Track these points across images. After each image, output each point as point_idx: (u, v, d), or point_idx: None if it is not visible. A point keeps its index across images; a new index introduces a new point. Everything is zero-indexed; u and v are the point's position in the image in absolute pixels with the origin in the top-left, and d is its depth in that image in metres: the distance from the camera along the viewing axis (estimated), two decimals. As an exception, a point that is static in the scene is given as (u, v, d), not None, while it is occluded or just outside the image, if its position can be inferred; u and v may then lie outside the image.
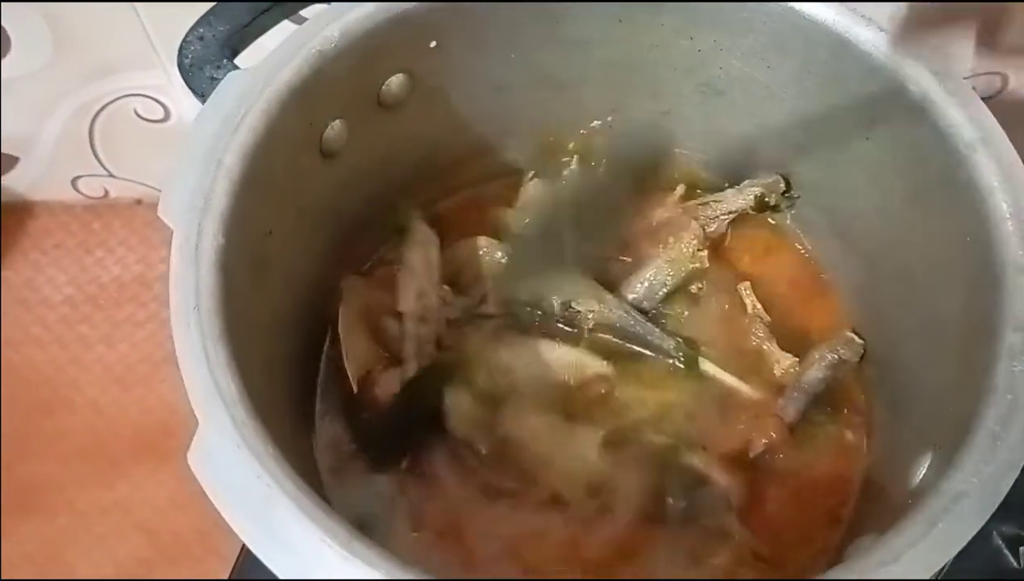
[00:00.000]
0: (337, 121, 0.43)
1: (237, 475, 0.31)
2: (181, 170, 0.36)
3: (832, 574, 0.30)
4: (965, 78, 0.60)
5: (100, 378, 0.72)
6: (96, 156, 0.74)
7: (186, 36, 0.42)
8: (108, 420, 0.71)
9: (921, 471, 0.36)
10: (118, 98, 0.68)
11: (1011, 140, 0.54)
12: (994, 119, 0.38)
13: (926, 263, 0.42)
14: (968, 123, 0.38)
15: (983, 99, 0.39)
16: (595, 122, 0.53)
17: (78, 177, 0.77)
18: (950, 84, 0.39)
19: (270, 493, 0.30)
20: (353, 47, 0.41)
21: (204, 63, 0.42)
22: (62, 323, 0.75)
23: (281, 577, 0.29)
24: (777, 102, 0.47)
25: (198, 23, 0.43)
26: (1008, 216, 0.36)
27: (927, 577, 0.29)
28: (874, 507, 0.41)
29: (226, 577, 0.56)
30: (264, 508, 0.30)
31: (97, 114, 0.70)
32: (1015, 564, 0.32)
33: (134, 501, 0.68)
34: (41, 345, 0.73)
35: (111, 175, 0.76)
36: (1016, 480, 0.31)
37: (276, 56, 0.39)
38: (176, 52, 0.43)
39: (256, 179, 0.38)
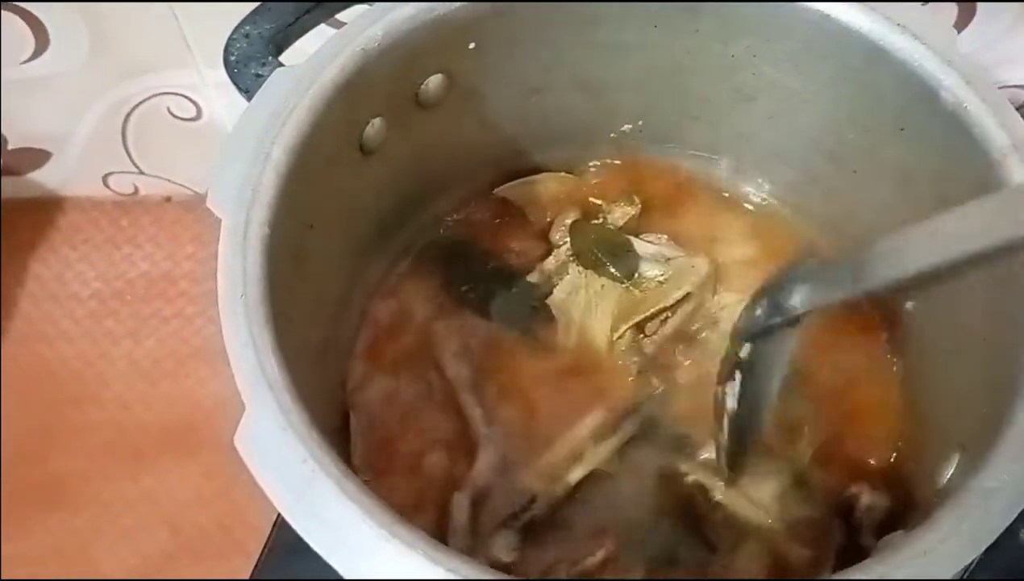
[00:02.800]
0: (377, 119, 0.44)
1: (282, 458, 0.32)
2: (230, 162, 0.37)
3: (861, 568, 0.30)
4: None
5: (127, 373, 0.73)
6: (128, 153, 0.75)
7: (232, 34, 0.43)
8: (134, 415, 0.72)
9: (949, 471, 0.36)
10: (152, 96, 0.70)
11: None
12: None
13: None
14: (1001, 130, 0.39)
15: (1014, 109, 0.40)
16: (626, 126, 0.54)
17: (109, 174, 0.78)
18: (984, 92, 0.40)
19: (314, 476, 0.31)
20: (395, 46, 0.42)
21: (249, 60, 0.43)
22: (90, 318, 0.76)
23: (323, 556, 0.30)
24: (809, 108, 0.47)
25: (244, 21, 0.44)
26: (1039, 221, 0.36)
27: (955, 571, 0.29)
28: (902, 506, 0.42)
29: (248, 574, 0.57)
30: (308, 490, 0.31)
31: (131, 112, 0.71)
32: (1041, 561, 0.32)
33: (159, 495, 0.69)
34: (69, 339, 0.74)
35: (141, 172, 0.77)
36: (1044, 478, 0.32)
37: (321, 54, 0.40)
38: (210, 52, 0.44)
39: (300, 173, 0.39)
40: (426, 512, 0.45)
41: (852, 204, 0.50)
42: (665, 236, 0.53)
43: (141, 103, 0.70)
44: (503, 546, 0.43)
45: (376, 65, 0.42)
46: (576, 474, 0.46)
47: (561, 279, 0.52)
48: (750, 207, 0.55)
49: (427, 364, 0.49)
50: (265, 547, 0.58)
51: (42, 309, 0.75)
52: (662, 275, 0.52)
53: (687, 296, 0.51)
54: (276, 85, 0.39)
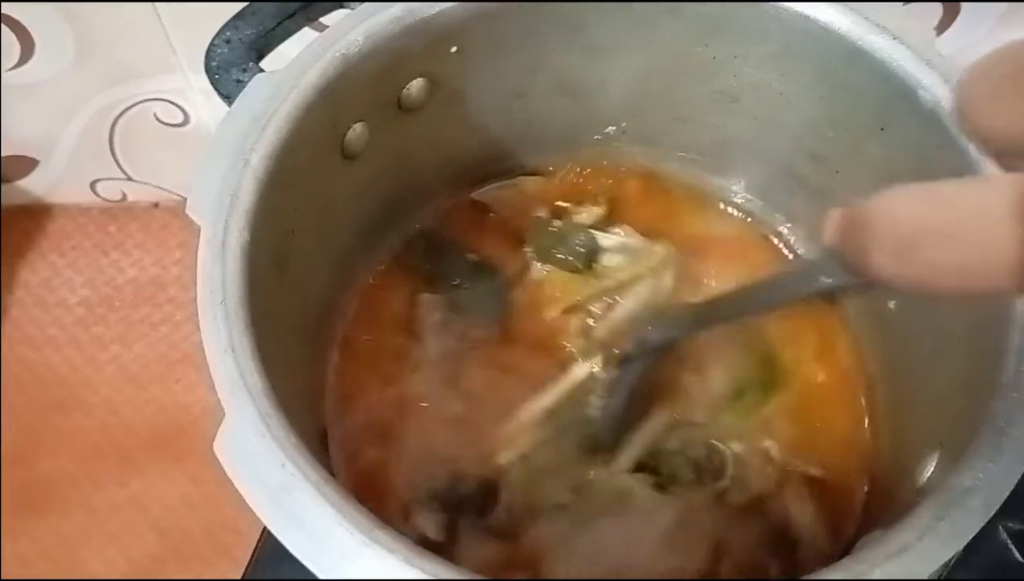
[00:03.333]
0: (359, 123, 0.44)
1: (261, 463, 0.32)
2: (209, 168, 0.37)
3: (839, 568, 0.30)
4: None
5: (115, 378, 0.73)
6: (115, 159, 0.75)
7: (213, 39, 0.43)
8: (122, 419, 0.72)
9: (928, 470, 0.37)
10: (138, 102, 0.70)
11: None
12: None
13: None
14: (978, 129, 0.39)
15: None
16: (610, 128, 0.54)
17: (97, 180, 0.78)
18: (962, 91, 0.40)
19: (293, 481, 0.31)
20: (376, 51, 0.42)
21: (230, 65, 0.43)
22: (78, 324, 0.76)
23: (303, 561, 0.30)
24: (791, 109, 0.48)
25: (225, 27, 0.44)
26: (1018, 221, 0.37)
27: (934, 569, 0.29)
28: (882, 505, 0.42)
29: (238, 578, 0.57)
30: (287, 495, 0.31)
31: (117, 118, 0.71)
32: (1020, 558, 0.32)
33: (147, 499, 0.69)
34: (57, 345, 0.75)
35: (129, 178, 0.77)
36: (1022, 476, 0.32)
37: (302, 59, 0.40)
38: (196, 57, 0.44)
39: (281, 178, 0.39)
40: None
41: (835, 204, 0.49)
42: (628, 227, 0.53)
43: (128, 109, 0.70)
44: (431, 521, 0.44)
45: (358, 70, 0.42)
46: (506, 456, 0.46)
47: (526, 274, 0.52)
48: (733, 208, 0.55)
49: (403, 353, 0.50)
50: (253, 555, 0.58)
51: (30, 315, 0.75)
52: (624, 263, 0.52)
53: (641, 280, 0.51)
54: (256, 91, 0.39)
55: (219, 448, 0.32)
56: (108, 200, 0.80)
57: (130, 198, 0.79)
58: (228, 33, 0.43)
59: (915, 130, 0.42)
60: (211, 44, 0.43)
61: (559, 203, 0.55)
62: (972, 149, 0.39)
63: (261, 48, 0.44)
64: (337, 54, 0.41)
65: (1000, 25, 0.57)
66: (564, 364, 0.50)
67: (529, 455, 0.47)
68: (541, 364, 0.50)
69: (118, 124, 0.72)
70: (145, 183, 0.78)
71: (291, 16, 0.44)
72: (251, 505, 0.31)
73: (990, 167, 0.37)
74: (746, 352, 0.50)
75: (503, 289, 0.53)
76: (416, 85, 0.46)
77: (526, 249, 0.53)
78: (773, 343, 0.51)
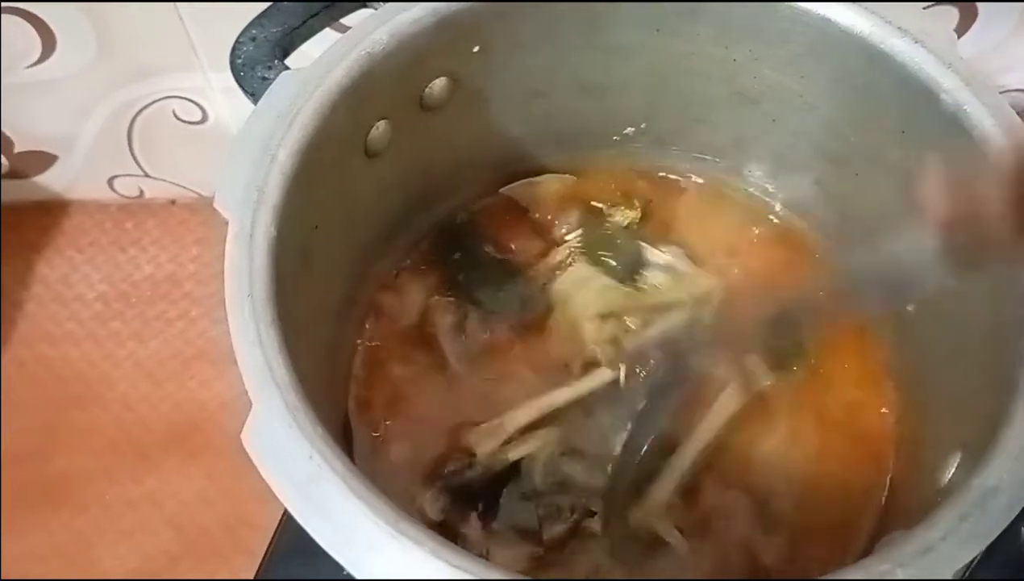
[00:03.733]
0: (382, 122, 0.45)
1: (289, 455, 0.32)
2: (235, 164, 0.38)
3: (861, 568, 0.31)
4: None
5: (131, 374, 0.74)
6: (133, 156, 0.76)
7: (239, 37, 0.44)
8: (139, 415, 0.72)
9: (951, 470, 0.37)
10: (157, 100, 0.70)
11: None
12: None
13: (952, 273, 0.43)
14: (1000, 132, 0.39)
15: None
16: (628, 129, 0.54)
17: (114, 177, 0.78)
18: (983, 95, 0.40)
19: (320, 472, 0.31)
20: (400, 50, 0.42)
21: (256, 63, 0.43)
22: (95, 320, 0.76)
23: (330, 552, 0.30)
24: (811, 112, 0.48)
25: (251, 24, 0.44)
26: (1038, 223, 0.37)
27: (956, 569, 0.30)
28: (904, 505, 0.42)
29: (252, 575, 0.57)
30: (315, 487, 0.31)
31: (136, 115, 0.71)
32: (1039, 559, 0.32)
33: (163, 495, 0.69)
34: (75, 341, 0.75)
35: (147, 175, 0.78)
36: (1043, 476, 0.32)
37: (327, 57, 0.40)
38: (216, 55, 0.44)
39: (306, 175, 0.39)
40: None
41: (854, 207, 0.50)
42: (680, 249, 0.53)
43: (147, 106, 0.71)
44: (433, 502, 0.45)
45: (381, 68, 0.42)
46: (517, 452, 0.47)
47: (563, 271, 0.52)
48: (753, 210, 0.55)
49: (424, 347, 0.51)
50: (269, 548, 0.58)
51: (47, 311, 0.76)
52: (667, 283, 0.52)
53: (680, 305, 0.51)
54: (282, 88, 0.40)
55: (247, 439, 0.32)
56: (126, 196, 0.80)
57: (147, 195, 0.80)
58: (254, 31, 0.44)
59: (936, 134, 0.42)
60: (237, 41, 0.44)
61: (593, 203, 0.55)
62: (993, 153, 0.39)
63: (286, 46, 0.44)
64: (362, 53, 0.41)
65: (1021, 27, 0.58)
66: (587, 367, 0.50)
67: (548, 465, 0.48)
68: (563, 363, 0.51)
69: (137, 121, 0.72)
70: (163, 180, 0.78)
71: (316, 15, 0.44)
72: (279, 496, 0.31)
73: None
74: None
75: (529, 287, 0.53)
76: (438, 84, 0.46)
77: (571, 244, 0.53)
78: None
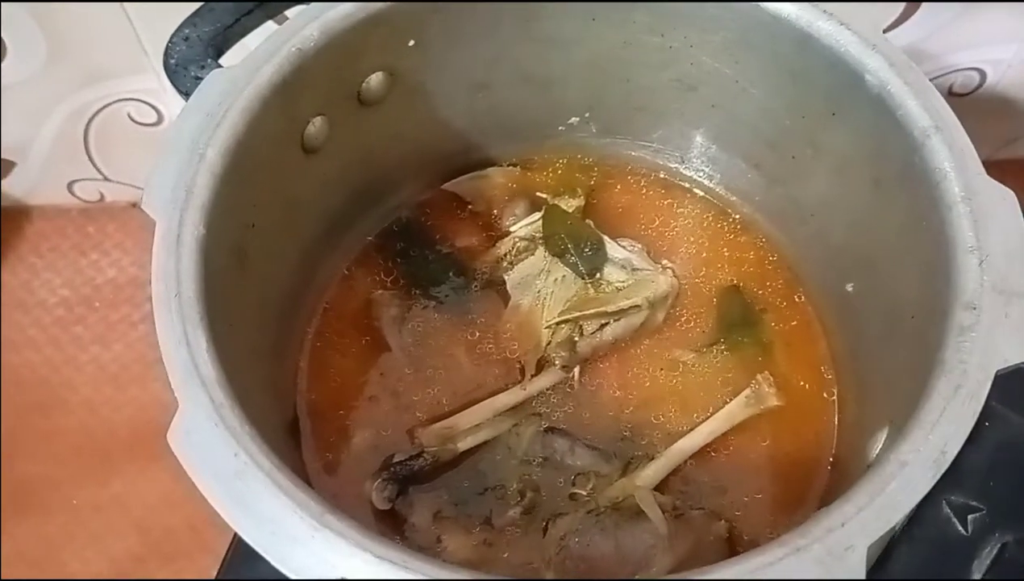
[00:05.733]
0: (318, 118, 0.45)
1: (215, 453, 0.32)
2: (163, 164, 0.38)
3: (781, 542, 0.31)
4: (945, 74, 0.63)
5: (95, 378, 0.73)
6: (91, 160, 0.75)
7: (172, 37, 0.44)
8: (102, 419, 0.72)
9: (878, 446, 0.37)
10: (112, 103, 0.70)
11: (990, 132, 0.55)
12: (948, 107, 0.40)
13: (885, 250, 0.44)
14: (923, 111, 0.39)
15: (962, 95, 0.40)
16: (572, 119, 0.54)
17: (74, 181, 0.78)
18: (907, 74, 0.40)
19: (245, 469, 0.32)
20: (332, 45, 0.42)
21: (189, 63, 0.43)
22: (57, 325, 0.76)
23: (254, 546, 0.30)
24: (747, 97, 0.48)
25: (183, 24, 0.44)
26: (959, 200, 0.37)
27: (872, 541, 0.30)
28: (838, 483, 0.43)
29: (215, 575, 0.57)
30: (240, 483, 0.31)
31: (91, 119, 0.71)
32: (963, 531, 0.33)
33: (128, 498, 0.69)
34: (37, 347, 0.75)
35: (106, 179, 0.77)
36: (963, 451, 0.32)
37: (257, 54, 0.41)
38: (166, 56, 0.44)
39: (238, 173, 0.39)
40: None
41: (793, 190, 0.50)
42: (640, 245, 0.53)
43: (101, 109, 0.70)
44: (380, 492, 0.45)
45: (314, 64, 0.42)
46: (466, 443, 0.47)
47: (518, 262, 0.53)
48: (696, 195, 0.56)
49: (371, 343, 0.51)
50: (229, 549, 0.58)
51: (9, 318, 0.75)
52: (624, 282, 0.52)
53: (635, 309, 0.51)
54: (211, 86, 0.40)
55: (172, 439, 0.32)
56: (86, 201, 0.80)
57: (108, 198, 0.80)
58: (186, 31, 0.44)
59: (864, 115, 0.42)
60: (169, 42, 0.44)
61: (538, 194, 0.55)
62: (917, 132, 0.40)
63: (220, 45, 0.44)
64: (292, 49, 0.41)
65: (969, 7, 0.58)
66: (541, 367, 0.50)
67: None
68: (515, 360, 0.51)
69: (92, 124, 0.72)
70: (122, 183, 0.78)
71: (249, 13, 0.44)
72: (204, 494, 0.31)
73: (935, 149, 0.38)
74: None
75: (479, 280, 0.53)
76: (375, 79, 0.46)
77: (517, 235, 0.53)
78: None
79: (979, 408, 0.33)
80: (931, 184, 0.38)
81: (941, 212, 0.38)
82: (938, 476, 0.31)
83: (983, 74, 0.65)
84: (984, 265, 0.36)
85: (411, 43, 0.45)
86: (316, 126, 0.45)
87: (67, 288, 0.78)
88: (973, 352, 0.34)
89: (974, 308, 0.35)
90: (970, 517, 0.33)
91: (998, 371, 0.33)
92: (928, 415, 0.33)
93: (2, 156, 0.75)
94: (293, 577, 0.30)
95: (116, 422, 0.72)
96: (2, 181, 0.77)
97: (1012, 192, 0.37)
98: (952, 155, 0.38)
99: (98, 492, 0.69)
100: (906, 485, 0.31)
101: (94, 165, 0.76)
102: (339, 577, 0.30)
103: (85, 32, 0.63)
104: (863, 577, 0.30)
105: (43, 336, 0.76)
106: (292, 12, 0.45)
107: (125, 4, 0.61)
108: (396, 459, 0.47)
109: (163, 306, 0.34)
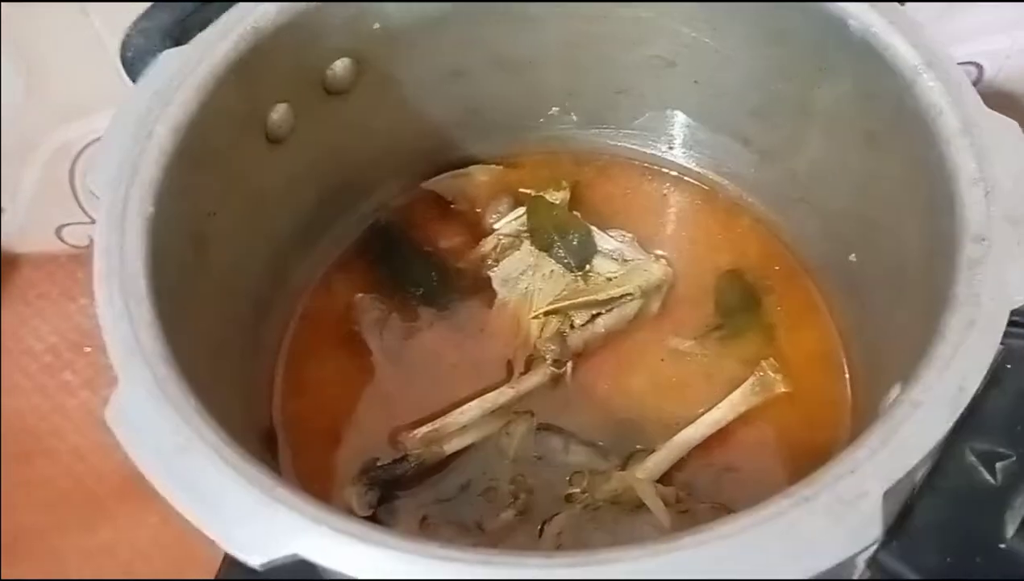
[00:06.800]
0: (282, 105, 0.43)
1: (155, 429, 0.30)
2: (109, 141, 0.36)
3: (787, 493, 0.28)
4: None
5: (82, 424, 0.71)
6: (78, 201, 0.74)
7: (128, 30, 0.43)
8: (90, 465, 0.70)
9: (890, 401, 0.34)
10: (96, 139, 0.69)
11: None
12: (937, 42, 0.37)
13: (887, 207, 0.41)
14: (911, 48, 0.37)
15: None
16: (553, 108, 0.53)
17: (62, 226, 0.77)
18: (890, 13, 0.38)
19: (189, 444, 0.29)
20: (291, 26, 0.41)
21: (146, 54, 0.42)
22: (44, 372, 0.74)
23: (197, 526, 0.28)
24: (729, 66, 0.46)
25: (140, 17, 0.43)
26: (958, 132, 0.35)
27: (887, 487, 0.27)
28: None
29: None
30: (182, 459, 0.29)
31: (77, 157, 0.70)
32: (991, 480, 0.29)
33: (117, 544, 0.66)
34: (23, 393, 0.73)
35: (94, 222, 0.76)
36: (986, 395, 0.29)
37: (211, 32, 0.39)
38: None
39: (192, 155, 0.38)
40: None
41: (786, 162, 0.48)
42: (631, 235, 0.51)
43: (86, 147, 0.69)
44: (360, 497, 0.42)
45: (272, 45, 0.41)
46: (453, 446, 0.45)
47: (503, 259, 0.50)
48: (685, 180, 0.54)
49: (352, 347, 0.48)
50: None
51: (-4, 367, 0.74)
52: (615, 273, 0.49)
53: (628, 299, 0.49)
54: (162, 66, 0.38)
55: (110, 417, 0.30)
56: (75, 246, 0.79)
57: (97, 243, 0.78)
58: (144, 23, 0.43)
59: (851, 64, 0.40)
60: (126, 35, 0.43)
61: (522, 190, 0.53)
62: (907, 71, 0.37)
63: (178, 36, 0.43)
64: (248, 28, 0.40)
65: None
66: (530, 363, 0.48)
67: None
68: (504, 358, 0.48)
69: (78, 163, 0.71)
70: (111, 226, 0.76)
71: (209, 1, 0.43)
72: (143, 472, 0.29)
73: (926, 87, 0.36)
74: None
75: (463, 279, 0.51)
76: (341, 65, 0.44)
77: (502, 233, 0.51)
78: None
79: (996, 342, 0.30)
80: (927, 122, 0.36)
81: (940, 148, 0.35)
82: (956, 415, 0.28)
83: (980, 68, 0.63)
84: (991, 195, 0.33)
85: (376, 25, 0.44)
86: (279, 114, 0.43)
87: (55, 334, 0.76)
88: (985, 284, 0.31)
89: (983, 239, 0.32)
90: (999, 465, 0.30)
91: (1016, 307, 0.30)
92: (940, 352, 0.30)
93: (-15, 202, 0.73)
94: (239, 554, 0.27)
95: (104, 468, 0.69)
96: (-12, 229, 0.76)
97: (1015, 122, 0.35)
98: (947, 90, 0.36)
99: (86, 539, 0.66)
100: (921, 426, 0.28)
101: (82, 208, 0.75)
102: (290, 552, 0.27)
103: (63, 65, 0.63)
104: (879, 526, 0.26)
105: (30, 383, 0.74)
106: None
107: (103, 36, 0.60)
108: (378, 463, 0.44)
109: (103, 282, 0.32)
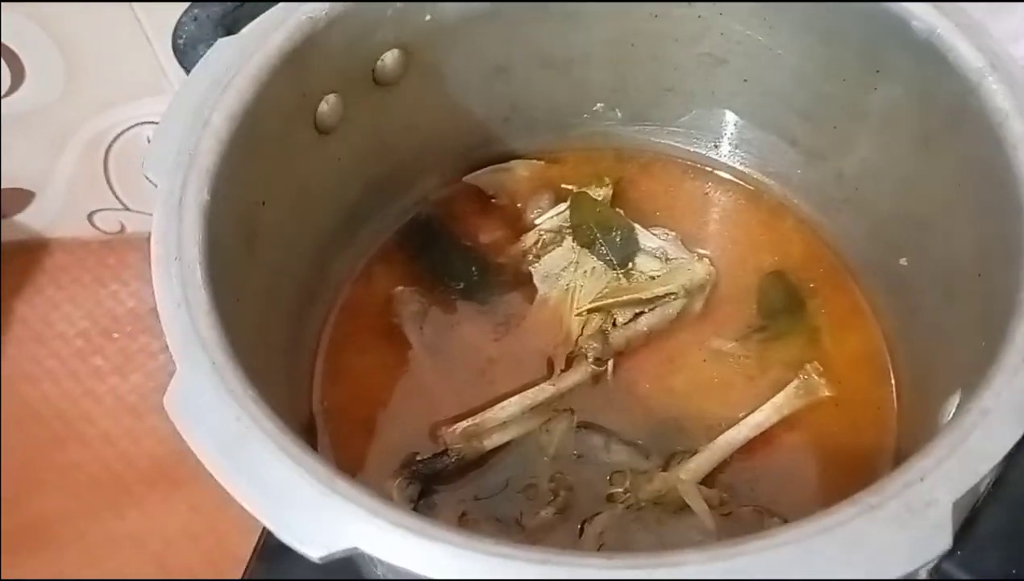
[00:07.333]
0: (332, 95, 0.43)
1: (215, 416, 0.29)
2: (167, 129, 0.36)
3: (853, 501, 0.27)
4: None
5: (113, 409, 0.72)
6: (111, 188, 0.74)
7: (180, 18, 0.43)
8: (120, 451, 0.70)
9: (951, 411, 0.33)
10: (131, 126, 0.69)
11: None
12: (1001, 44, 0.37)
13: (940, 209, 0.40)
14: (975, 50, 0.37)
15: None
16: (598, 105, 0.52)
17: (94, 212, 0.77)
18: (955, 16, 0.38)
19: (248, 432, 0.29)
20: (345, 16, 0.41)
21: (198, 42, 0.42)
22: (76, 357, 0.74)
23: (256, 515, 0.27)
24: (780, 64, 0.46)
25: (192, 5, 0.43)
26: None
27: (958, 496, 0.26)
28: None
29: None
30: (241, 448, 0.29)
31: (111, 145, 0.70)
32: (1059, 489, 0.29)
33: (146, 532, 0.66)
34: (55, 379, 0.73)
35: (126, 208, 0.76)
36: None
37: (265, 22, 0.39)
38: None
39: (246, 143, 0.37)
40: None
41: (834, 163, 0.47)
42: (674, 233, 0.50)
43: (121, 134, 0.70)
44: (401, 491, 0.42)
45: (326, 36, 0.40)
46: (493, 441, 0.44)
47: (544, 255, 0.50)
48: (730, 180, 0.53)
49: (393, 340, 0.48)
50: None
51: (27, 351, 0.74)
52: (658, 271, 0.49)
53: (671, 298, 0.48)
54: (218, 54, 0.38)
55: (169, 403, 0.30)
56: (107, 232, 0.79)
57: (128, 229, 0.79)
58: (195, 11, 0.43)
59: (911, 66, 0.40)
60: (179, 22, 0.43)
61: (564, 186, 0.53)
62: (971, 74, 0.37)
63: (230, 25, 0.43)
64: (303, 17, 0.39)
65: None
66: (571, 361, 0.47)
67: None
68: (544, 355, 0.48)
69: (112, 150, 0.71)
70: (143, 213, 0.77)
71: (257, -8, 0.43)
72: (202, 460, 0.29)
73: (991, 90, 0.35)
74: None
75: (505, 274, 0.51)
76: (391, 57, 0.44)
77: (543, 228, 0.51)
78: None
79: (1066, 349, 0.29)
80: (992, 126, 0.36)
81: (1006, 152, 0.35)
82: (1028, 422, 0.27)
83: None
84: (1056, 201, 0.32)
85: (427, 17, 0.44)
86: (330, 104, 0.43)
87: (86, 319, 0.76)
88: (1053, 289, 0.30)
89: (1049, 245, 0.31)
90: (1074, 474, 0.29)
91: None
92: (1010, 359, 0.29)
93: (21, 186, 0.74)
94: (298, 546, 0.27)
95: (134, 454, 0.70)
96: (22, 213, 0.76)
97: (1082, 127, 0.34)
98: (1013, 93, 0.35)
99: (115, 526, 0.66)
100: (992, 434, 0.27)
101: (114, 194, 0.75)
102: (350, 546, 0.27)
103: (104, 54, 0.63)
104: (949, 535, 0.26)
105: (62, 368, 0.74)
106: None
107: (145, 26, 0.60)
108: (419, 458, 0.44)
109: (162, 268, 0.32)
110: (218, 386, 0.30)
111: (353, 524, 0.27)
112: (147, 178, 0.35)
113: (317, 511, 0.27)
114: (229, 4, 0.42)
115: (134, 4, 0.58)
